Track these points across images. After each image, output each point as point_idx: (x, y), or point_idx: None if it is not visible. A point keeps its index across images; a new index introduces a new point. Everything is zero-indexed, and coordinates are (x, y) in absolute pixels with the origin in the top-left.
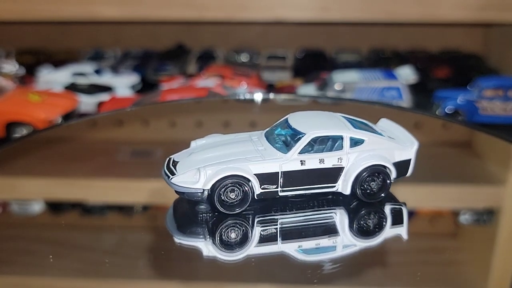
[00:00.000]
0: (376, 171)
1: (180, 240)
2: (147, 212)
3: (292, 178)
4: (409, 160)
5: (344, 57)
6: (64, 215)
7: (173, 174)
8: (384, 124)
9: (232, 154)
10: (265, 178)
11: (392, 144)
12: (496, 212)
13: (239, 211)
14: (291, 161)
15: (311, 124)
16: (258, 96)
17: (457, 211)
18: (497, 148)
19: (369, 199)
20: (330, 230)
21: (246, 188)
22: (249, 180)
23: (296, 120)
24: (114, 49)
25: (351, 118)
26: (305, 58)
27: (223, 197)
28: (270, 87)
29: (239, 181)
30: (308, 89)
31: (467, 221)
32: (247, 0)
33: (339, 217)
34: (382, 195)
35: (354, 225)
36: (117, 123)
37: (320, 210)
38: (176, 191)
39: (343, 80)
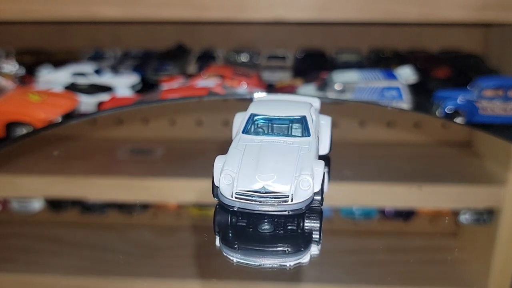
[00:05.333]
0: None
1: (292, 261)
2: (147, 210)
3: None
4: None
5: (344, 57)
6: (64, 213)
7: (284, 197)
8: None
9: (287, 155)
10: None
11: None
12: (496, 212)
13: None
14: (316, 140)
15: (287, 107)
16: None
17: (457, 211)
18: (497, 148)
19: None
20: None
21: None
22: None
23: (269, 109)
24: (114, 49)
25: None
26: (305, 58)
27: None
28: (270, 87)
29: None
30: (308, 89)
31: (467, 220)
32: (247, 0)
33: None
34: None
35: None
36: (117, 122)
37: None
38: (294, 211)
39: (343, 80)
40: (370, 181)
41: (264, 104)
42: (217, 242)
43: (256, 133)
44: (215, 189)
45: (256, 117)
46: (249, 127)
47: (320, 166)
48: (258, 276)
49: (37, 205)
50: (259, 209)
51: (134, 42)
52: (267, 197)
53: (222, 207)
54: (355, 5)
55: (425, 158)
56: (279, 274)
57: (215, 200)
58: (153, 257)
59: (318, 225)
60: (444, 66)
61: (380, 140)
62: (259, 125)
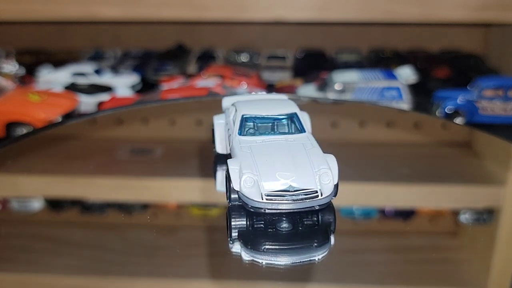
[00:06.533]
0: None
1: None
2: (147, 210)
3: None
4: None
5: (344, 57)
6: (64, 213)
7: (313, 193)
8: (239, 98)
9: (297, 152)
10: None
11: None
12: (496, 211)
13: None
14: (312, 135)
15: (274, 106)
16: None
17: (457, 210)
18: (497, 148)
19: None
20: None
21: None
22: None
23: (258, 109)
24: (114, 49)
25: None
26: (305, 58)
27: None
28: (270, 87)
29: None
30: (308, 89)
31: (467, 220)
32: (247, 0)
33: None
34: None
35: None
36: (117, 122)
37: None
38: (321, 205)
39: (343, 80)
40: (370, 181)
41: (250, 104)
42: (236, 248)
43: (252, 133)
44: (233, 193)
45: (248, 118)
46: (243, 128)
47: (334, 159)
48: (258, 275)
49: (37, 205)
50: (292, 207)
51: (134, 42)
52: (298, 195)
53: (237, 211)
54: (355, 5)
55: (425, 158)
56: (278, 273)
57: (213, 201)
58: (153, 257)
59: (333, 216)
60: (444, 66)
61: (380, 140)
62: (253, 126)
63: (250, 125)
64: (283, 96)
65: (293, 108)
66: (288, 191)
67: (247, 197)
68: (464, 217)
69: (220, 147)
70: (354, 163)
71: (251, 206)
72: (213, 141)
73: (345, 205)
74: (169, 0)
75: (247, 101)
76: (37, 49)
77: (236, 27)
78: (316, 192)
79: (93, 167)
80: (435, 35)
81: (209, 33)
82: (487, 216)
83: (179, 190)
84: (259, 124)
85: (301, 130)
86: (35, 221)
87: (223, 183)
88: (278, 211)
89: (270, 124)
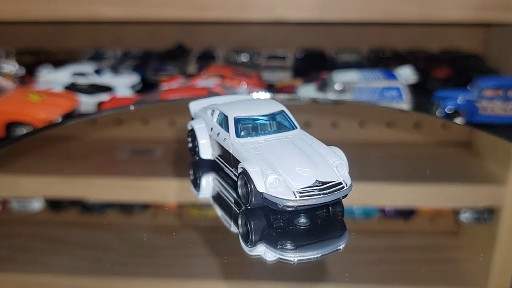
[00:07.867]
0: None
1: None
2: (147, 210)
3: None
4: None
5: (344, 57)
6: (64, 213)
7: (339, 185)
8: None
9: (304, 148)
10: None
11: None
12: (496, 211)
13: None
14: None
15: (259, 106)
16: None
17: (457, 210)
18: (497, 148)
19: None
20: None
21: None
22: None
23: (247, 110)
24: (114, 49)
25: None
26: (305, 58)
27: None
28: (270, 87)
29: None
30: (308, 89)
31: (467, 219)
32: (247, 0)
33: None
34: None
35: None
36: (117, 122)
37: None
38: (344, 196)
39: (343, 80)
40: (370, 181)
41: (235, 106)
42: (257, 251)
43: (249, 135)
44: (255, 196)
45: (241, 120)
46: (239, 131)
47: (340, 150)
48: (259, 275)
49: (37, 205)
50: (322, 201)
51: (134, 42)
52: (325, 188)
53: (255, 214)
54: (355, 5)
55: (425, 158)
56: (279, 273)
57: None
58: (153, 257)
59: (341, 205)
60: (444, 66)
61: (380, 140)
62: (247, 127)
63: (244, 127)
64: (252, 95)
65: (278, 106)
66: (317, 186)
67: (276, 197)
68: (465, 217)
69: (205, 153)
70: (354, 163)
71: (283, 206)
72: (192, 148)
73: (345, 204)
74: (169, 0)
75: (230, 103)
76: (37, 49)
77: (236, 27)
78: (341, 183)
79: (93, 167)
80: (435, 35)
81: (209, 33)
82: (487, 215)
83: (179, 190)
84: (253, 125)
85: (293, 126)
86: (35, 221)
87: (208, 189)
88: (310, 206)
89: (263, 123)
